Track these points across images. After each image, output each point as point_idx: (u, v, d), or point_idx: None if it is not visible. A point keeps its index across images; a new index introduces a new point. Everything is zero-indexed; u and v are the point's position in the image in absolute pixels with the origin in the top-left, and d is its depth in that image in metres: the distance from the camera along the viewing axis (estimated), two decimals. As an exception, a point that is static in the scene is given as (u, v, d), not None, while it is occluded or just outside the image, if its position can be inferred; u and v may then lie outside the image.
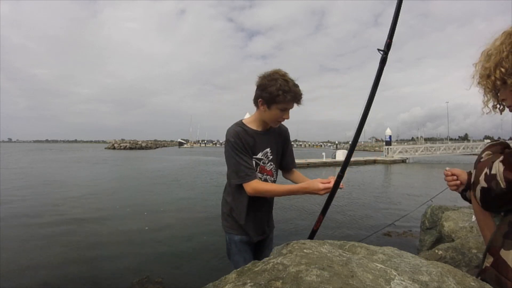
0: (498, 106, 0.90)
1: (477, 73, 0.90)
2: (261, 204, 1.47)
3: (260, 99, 1.32)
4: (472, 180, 0.90)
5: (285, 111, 1.33)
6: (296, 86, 1.31)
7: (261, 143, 1.42)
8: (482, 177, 0.83)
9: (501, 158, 0.81)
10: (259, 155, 1.42)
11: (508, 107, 0.89)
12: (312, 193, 1.26)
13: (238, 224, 1.44)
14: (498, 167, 0.79)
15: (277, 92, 1.26)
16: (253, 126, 1.41)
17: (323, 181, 1.23)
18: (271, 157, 1.46)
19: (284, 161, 1.56)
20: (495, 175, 0.79)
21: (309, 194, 1.29)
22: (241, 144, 1.34)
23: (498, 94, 0.88)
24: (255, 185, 1.32)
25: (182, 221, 5.67)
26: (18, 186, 9.66)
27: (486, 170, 0.83)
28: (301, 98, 1.33)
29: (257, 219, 1.47)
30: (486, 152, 0.90)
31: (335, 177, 1.25)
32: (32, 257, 3.72)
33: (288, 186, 1.35)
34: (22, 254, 3.80)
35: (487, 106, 0.92)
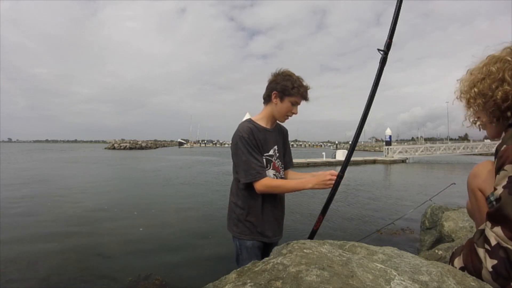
0: (477, 122, 0.96)
1: (459, 89, 0.98)
2: (276, 203, 1.46)
3: (274, 92, 1.39)
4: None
5: (295, 106, 1.41)
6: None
7: (271, 139, 1.45)
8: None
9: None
10: (271, 152, 1.44)
11: (480, 125, 0.95)
12: (320, 185, 1.28)
13: (252, 227, 1.39)
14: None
15: (292, 85, 1.36)
16: (262, 123, 1.44)
17: (330, 174, 1.29)
18: (278, 154, 1.48)
19: (284, 160, 1.57)
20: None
21: (315, 189, 1.32)
22: (254, 141, 1.35)
23: (474, 112, 0.95)
24: (266, 182, 1.32)
25: (180, 221, 5.67)
26: (16, 186, 9.65)
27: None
28: (308, 96, 1.43)
29: (274, 218, 1.46)
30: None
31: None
32: (32, 256, 3.72)
33: (297, 180, 1.37)
34: (22, 254, 3.80)
35: (468, 120, 0.98)
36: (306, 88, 1.40)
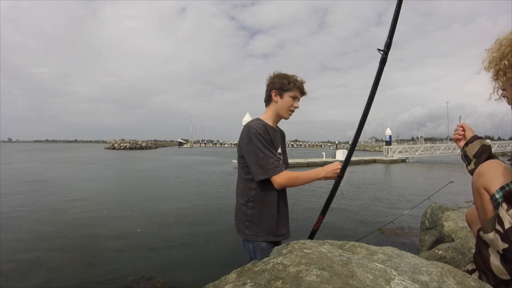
0: (505, 95, 0.91)
1: (487, 59, 0.93)
2: (286, 200, 1.50)
3: (274, 90, 1.47)
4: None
5: (295, 99, 1.48)
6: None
7: (278, 139, 1.49)
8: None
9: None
10: (279, 150, 1.48)
11: (506, 97, 0.91)
12: (332, 173, 1.33)
13: (265, 228, 1.38)
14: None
15: (288, 81, 1.45)
16: (269, 122, 1.48)
17: (339, 165, 1.35)
18: (281, 152, 1.52)
19: (283, 161, 1.58)
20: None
21: (325, 180, 1.37)
22: (269, 137, 1.37)
23: (500, 83, 0.90)
24: (286, 174, 1.33)
25: (179, 221, 5.66)
26: (12, 187, 9.65)
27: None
28: (304, 89, 1.51)
29: (286, 215, 1.49)
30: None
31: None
32: (32, 257, 3.72)
33: (311, 171, 1.38)
34: (23, 254, 3.80)
35: (496, 93, 0.93)
36: (301, 82, 1.48)
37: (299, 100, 1.50)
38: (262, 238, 1.38)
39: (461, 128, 1.14)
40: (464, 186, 8.45)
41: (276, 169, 1.32)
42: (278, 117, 1.51)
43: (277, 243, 1.45)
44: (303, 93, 1.49)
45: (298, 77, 1.49)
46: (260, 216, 1.38)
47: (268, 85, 1.50)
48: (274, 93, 1.46)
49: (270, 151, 1.34)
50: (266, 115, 1.50)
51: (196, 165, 20.12)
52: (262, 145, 1.32)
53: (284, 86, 1.44)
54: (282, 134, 1.60)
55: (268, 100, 1.50)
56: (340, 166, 1.33)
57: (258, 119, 1.46)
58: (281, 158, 1.49)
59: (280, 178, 1.31)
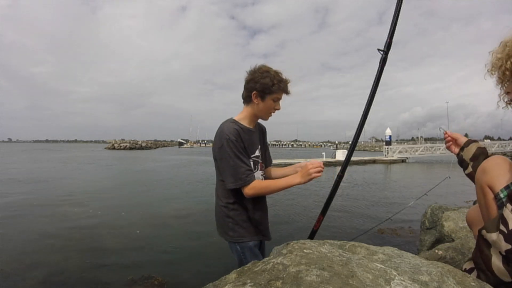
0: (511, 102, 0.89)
1: (490, 62, 0.91)
2: (263, 202, 1.45)
3: (254, 92, 1.32)
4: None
5: (277, 102, 1.36)
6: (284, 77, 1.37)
7: (255, 140, 1.41)
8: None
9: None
10: (257, 153, 1.40)
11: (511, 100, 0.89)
12: (305, 178, 1.24)
13: (250, 227, 1.36)
14: None
15: (271, 82, 1.29)
16: (245, 123, 1.37)
17: (311, 164, 1.24)
18: (259, 154, 1.44)
19: (265, 159, 1.52)
20: None
21: (305, 183, 1.27)
22: (242, 144, 1.29)
23: (505, 86, 0.88)
24: (255, 185, 1.28)
25: (178, 221, 5.65)
26: (12, 186, 9.66)
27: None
28: (288, 89, 1.37)
29: (266, 216, 1.45)
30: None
31: (322, 163, 1.26)
32: (33, 257, 3.72)
33: (283, 179, 1.31)
34: (22, 254, 3.80)
35: (503, 100, 0.91)
36: (286, 82, 1.34)
37: (281, 99, 1.38)
38: (248, 238, 1.35)
39: (446, 135, 1.15)
40: (462, 185, 8.45)
41: (246, 179, 1.26)
42: (256, 118, 1.41)
43: (261, 243, 1.45)
44: (286, 93, 1.37)
45: (283, 74, 1.34)
46: (243, 216, 1.35)
47: (248, 82, 1.33)
48: (254, 95, 1.32)
49: (241, 160, 1.27)
50: (243, 115, 1.39)
51: (196, 165, 20.11)
52: (233, 153, 1.25)
53: (266, 89, 1.30)
54: (262, 131, 1.50)
55: (247, 100, 1.37)
56: (312, 166, 1.22)
57: (233, 121, 1.34)
58: (259, 160, 1.41)
59: (247, 189, 1.27)
